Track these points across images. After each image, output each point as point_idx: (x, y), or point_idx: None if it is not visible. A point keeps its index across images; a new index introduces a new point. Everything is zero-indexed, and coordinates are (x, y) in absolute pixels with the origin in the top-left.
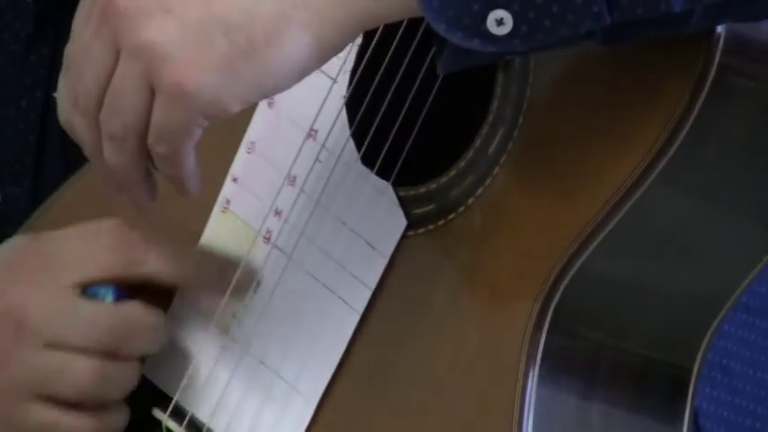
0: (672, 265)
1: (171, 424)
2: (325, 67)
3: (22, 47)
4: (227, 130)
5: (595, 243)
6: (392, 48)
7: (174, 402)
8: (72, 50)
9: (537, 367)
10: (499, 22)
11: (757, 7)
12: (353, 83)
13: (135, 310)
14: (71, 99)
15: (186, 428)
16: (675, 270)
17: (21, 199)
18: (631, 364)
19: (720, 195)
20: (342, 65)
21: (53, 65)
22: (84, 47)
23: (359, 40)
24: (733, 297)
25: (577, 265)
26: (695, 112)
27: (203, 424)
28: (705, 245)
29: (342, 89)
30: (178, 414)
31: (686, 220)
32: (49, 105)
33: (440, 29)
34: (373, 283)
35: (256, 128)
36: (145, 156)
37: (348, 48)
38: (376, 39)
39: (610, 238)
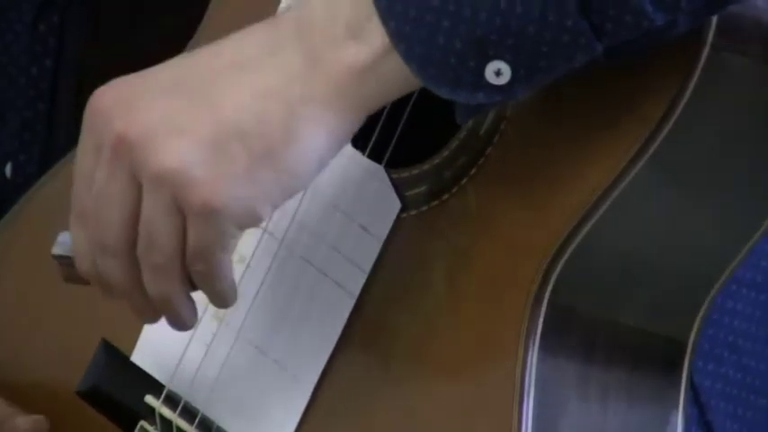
0: (666, 241)
1: (165, 411)
2: None
3: (31, 15)
4: None
5: (593, 220)
6: None
7: (166, 389)
8: (86, 199)
9: (537, 344)
10: (497, 72)
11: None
12: None
13: None
14: (97, 247)
15: (180, 415)
16: (671, 244)
17: (31, 167)
18: (628, 338)
19: (715, 173)
20: None
21: (62, 33)
22: (100, 192)
23: None
24: (726, 272)
25: (576, 241)
26: (689, 91)
27: (198, 410)
28: (699, 221)
29: None
30: (171, 401)
31: (680, 199)
32: (59, 73)
33: (443, 93)
34: (368, 267)
35: None
36: (187, 278)
37: None
38: None
39: (605, 215)
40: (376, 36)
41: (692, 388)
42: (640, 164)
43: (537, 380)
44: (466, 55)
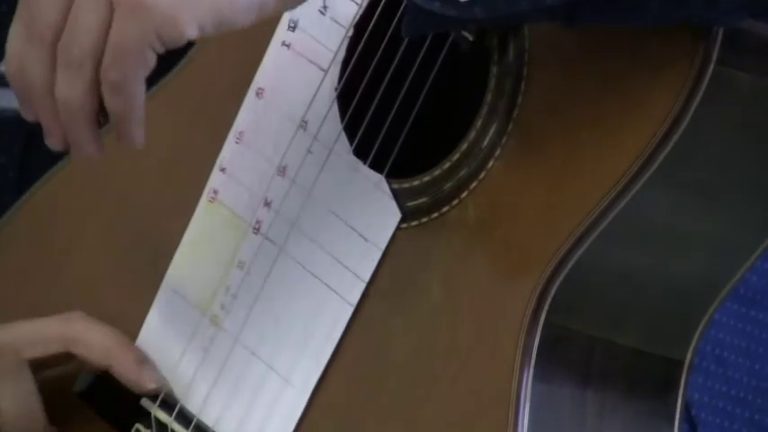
0: (667, 257)
1: (160, 415)
2: (315, 58)
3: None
4: (212, 121)
5: (592, 237)
6: (385, 39)
7: (162, 393)
8: None
9: (533, 360)
10: None
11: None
12: (345, 74)
13: None
14: (26, 33)
15: (176, 419)
16: (670, 261)
17: (11, 170)
18: (624, 355)
19: (716, 188)
20: (333, 56)
21: None
22: None
23: (350, 31)
24: (725, 290)
25: (574, 258)
26: (694, 104)
27: (193, 415)
28: (701, 237)
29: (333, 81)
30: (167, 405)
31: (683, 213)
32: None
33: None
34: (367, 276)
35: (244, 117)
36: (97, 89)
37: (339, 39)
38: (369, 30)
39: (605, 232)
40: None
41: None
42: (642, 181)
43: (533, 396)
44: None
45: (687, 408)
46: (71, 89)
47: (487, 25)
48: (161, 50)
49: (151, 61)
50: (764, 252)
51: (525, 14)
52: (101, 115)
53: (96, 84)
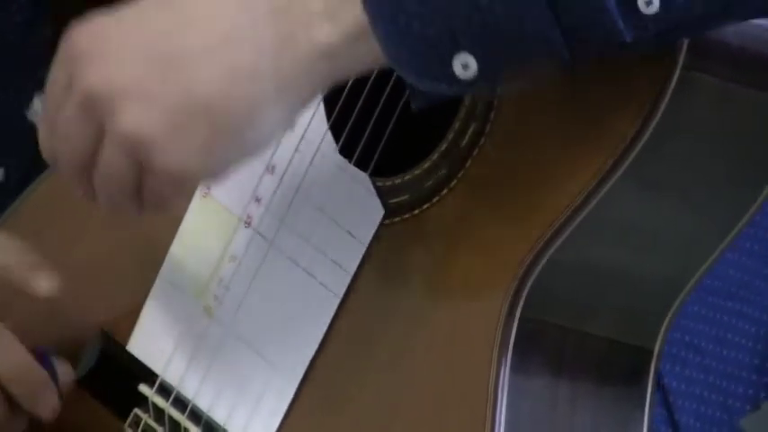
0: (636, 253)
1: (157, 400)
2: None
3: (23, 27)
4: None
5: (566, 234)
6: None
7: (159, 379)
8: (54, 118)
9: (509, 354)
10: (465, 66)
11: (710, 26)
12: None
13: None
14: (54, 156)
15: (172, 405)
16: (639, 257)
17: (22, 172)
18: (596, 345)
19: (683, 187)
20: None
21: (54, 45)
22: (68, 123)
23: None
24: (692, 281)
25: (548, 254)
26: (662, 108)
27: (189, 401)
28: (668, 234)
29: None
30: (164, 390)
31: (650, 211)
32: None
33: (410, 77)
34: (352, 269)
35: None
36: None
37: None
38: None
39: (579, 228)
40: (350, 18)
41: (662, 390)
42: (614, 178)
43: (509, 390)
44: (438, 43)
45: (665, 395)
46: (113, 204)
47: (495, 93)
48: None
49: (190, 194)
50: (729, 246)
51: (528, 82)
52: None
53: (138, 197)
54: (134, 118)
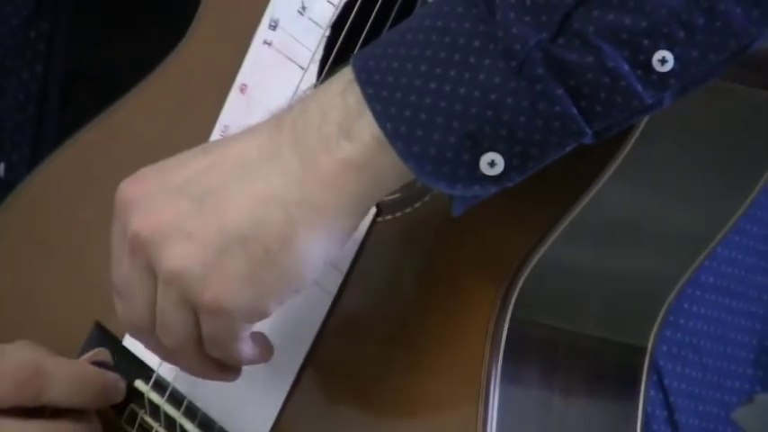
0: (627, 252)
1: (153, 396)
2: (294, 57)
3: (22, 22)
4: (198, 114)
5: (556, 234)
6: (361, 38)
7: (155, 375)
8: (117, 278)
9: (501, 354)
10: (491, 163)
11: (724, 69)
12: (323, 73)
13: None
14: (130, 324)
15: (168, 400)
16: (630, 256)
17: (23, 167)
18: (589, 344)
19: (674, 187)
20: (311, 55)
21: (52, 40)
22: (127, 276)
23: (327, 31)
24: (683, 279)
25: (538, 255)
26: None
27: (184, 396)
28: (658, 232)
29: (311, 79)
30: (160, 386)
31: (641, 211)
32: (48, 78)
33: (440, 187)
34: (345, 267)
35: (229, 112)
36: (206, 355)
37: (317, 38)
38: (345, 30)
39: (569, 228)
40: (367, 133)
41: (662, 389)
42: (604, 179)
43: (501, 389)
44: (460, 149)
45: (665, 395)
46: (181, 362)
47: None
48: (252, 326)
49: (246, 334)
50: (720, 243)
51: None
52: None
53: (204, 352)
54: (177, 254)
